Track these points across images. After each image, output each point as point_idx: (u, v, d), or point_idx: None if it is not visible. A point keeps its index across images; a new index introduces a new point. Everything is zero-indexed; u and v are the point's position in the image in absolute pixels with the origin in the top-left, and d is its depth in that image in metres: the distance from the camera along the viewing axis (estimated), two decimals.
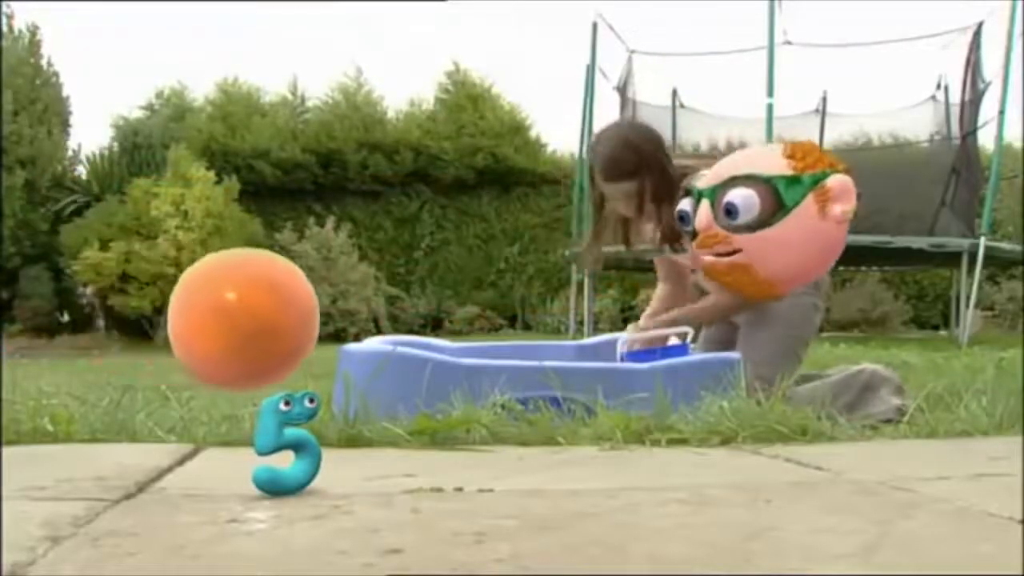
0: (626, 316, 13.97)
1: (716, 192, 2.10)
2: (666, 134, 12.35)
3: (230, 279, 1.38)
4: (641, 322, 2.84)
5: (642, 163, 2.69)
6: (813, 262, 2.18)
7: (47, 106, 13.73)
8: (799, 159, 2.07)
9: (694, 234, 2.17)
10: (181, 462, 1.61)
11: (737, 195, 2.06)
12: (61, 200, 13.64)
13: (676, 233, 2.69)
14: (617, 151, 2.73)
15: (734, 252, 2.12)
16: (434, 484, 1.36)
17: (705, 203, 2.12)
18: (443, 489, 1.33)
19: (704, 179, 2.18)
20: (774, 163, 2.08)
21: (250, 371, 1.40)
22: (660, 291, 3.04)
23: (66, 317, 11.21)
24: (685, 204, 2.20)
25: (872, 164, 12.46)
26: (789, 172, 2.05)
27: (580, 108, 11.84)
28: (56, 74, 14.29)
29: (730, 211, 2.06)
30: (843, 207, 2.05)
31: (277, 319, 1.36)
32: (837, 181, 2.06)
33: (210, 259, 1.44)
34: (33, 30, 14.09)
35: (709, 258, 2.16)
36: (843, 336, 10.70)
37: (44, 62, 14.16)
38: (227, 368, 1.38)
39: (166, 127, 14.64)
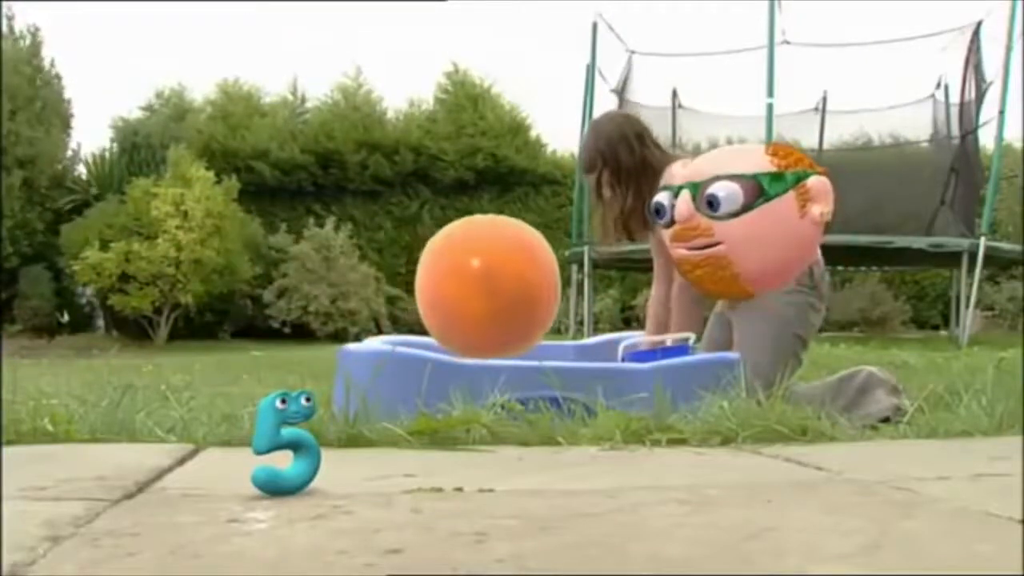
0: (626, 316, 13.99)
1: (699, 187, 2.10)
2: (666, 134, 12.42)
3: (493, 245, 1.34)
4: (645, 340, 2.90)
5: (597, 157, 2.95)
6: (789, 260, 2.18)
7: (45, 105, 13.72)
8: (781, 157, 2.08)
9: (670, 224, 2.16)
10: (181, 462, 1.61)
11: (720, 187, 2.06)
12: (60, 200, 13.64)
13: (638, 217, 2.86)
14: (585, 145, 3.05)
15: (713, 246, 2.11)
16: (434, 484, 1.36)
17: (686, 194, 2.11)
18: (443, 489, 1.33)
19: (684, 175, 2.18)
20: (757, 161, 2.09)
21: (509, 337, 1.37)
22: (655, 293, 3.06)
23: (66, 317, 11.21)
24: (662, 197, 2.20)
25: (872, 164, 12.47)
26: (772, 169, 2.06)
27: (580, 108, 11.85)
28: (58, 76, 14.31)
29: (712, 203, 2.06)
30: (822, 208, 2.06)
31: (537, 287, 1.34)
32: (817, 182, 2.07)
33: (465, 225, 1.40)
34: (34, 31, 14.11)
35: (684, 251, 2.15)
36: (843, 336, 10.70)
37: (46, 63, 14.17)
38: (489, 334, 1.35)
39: (166, 127, 14.64)
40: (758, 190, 2.04)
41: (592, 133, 3.08)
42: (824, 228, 2.11)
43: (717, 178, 2.08)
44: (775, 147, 2.12)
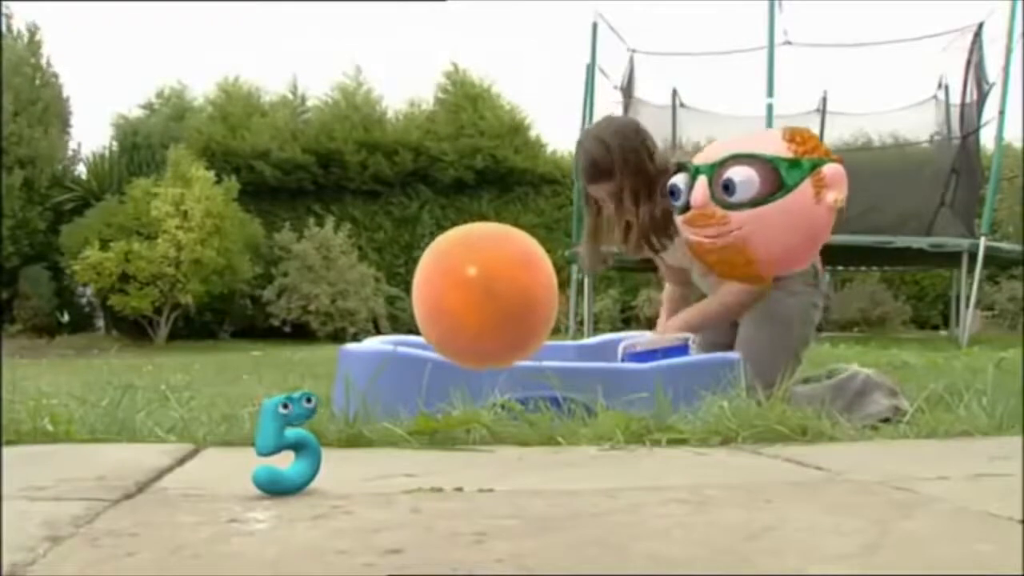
0: (626, 316, 13.98)
1: (715, 168, 2.09)
2: (666, 133, 12.42)
3: (495, 254, 1.36)
4: (658, 329, 2.87)
5: (616, 164, 2.74)
6: (803, 247, 2.18)
7: (47, 106, 13.73)
8: (799, 143, 2.07)
9: (685, 208, 2.15)
10: (181, 462, 1.61)
11: (737, 172, 2.04)
12: (61, 200, 13.64)
13: (661, 228, 2.74)
14: (594, 152, 2.77)
15: (729, 234, 2.10)
16: (434, 484, 1.36)
17: (702, 179, 2.10)
18: (443, 489, 1.33)
19: (701, 155, 2.17)
20: (774, 145, 2.08)
21: (512, 345, 1.37)
22: (669, 293, 3.05)
23: (66, 317, 11.21)
24: (678, 179, 2.18)
25: (872, 164, 12.46)
26: (790, 155, 2.05)
27: (580, 108, 11.85)
28: (56, 75, 14.32)
29: (728, 187, 2.05)
30: (836, 195, 2.05)
31: (536, 293, 1.35)
32: (832, 169, 2.07)
33: (464, 233, 1.41)
34: (33, 30, 14.11)
35: (698, 238, 2.14)
36: (843, 336, 10.70)
37: (44, 62, 14.17)
38: (491, 342, 1.35)
39: (166, 127, 14.63)
40: (775, 177, 2.03)
41: (598, 140, 2.80)
42: (838, 215, 2.12)
43: (735, 158, 2.07)
44: (792, 132, 2.11)
